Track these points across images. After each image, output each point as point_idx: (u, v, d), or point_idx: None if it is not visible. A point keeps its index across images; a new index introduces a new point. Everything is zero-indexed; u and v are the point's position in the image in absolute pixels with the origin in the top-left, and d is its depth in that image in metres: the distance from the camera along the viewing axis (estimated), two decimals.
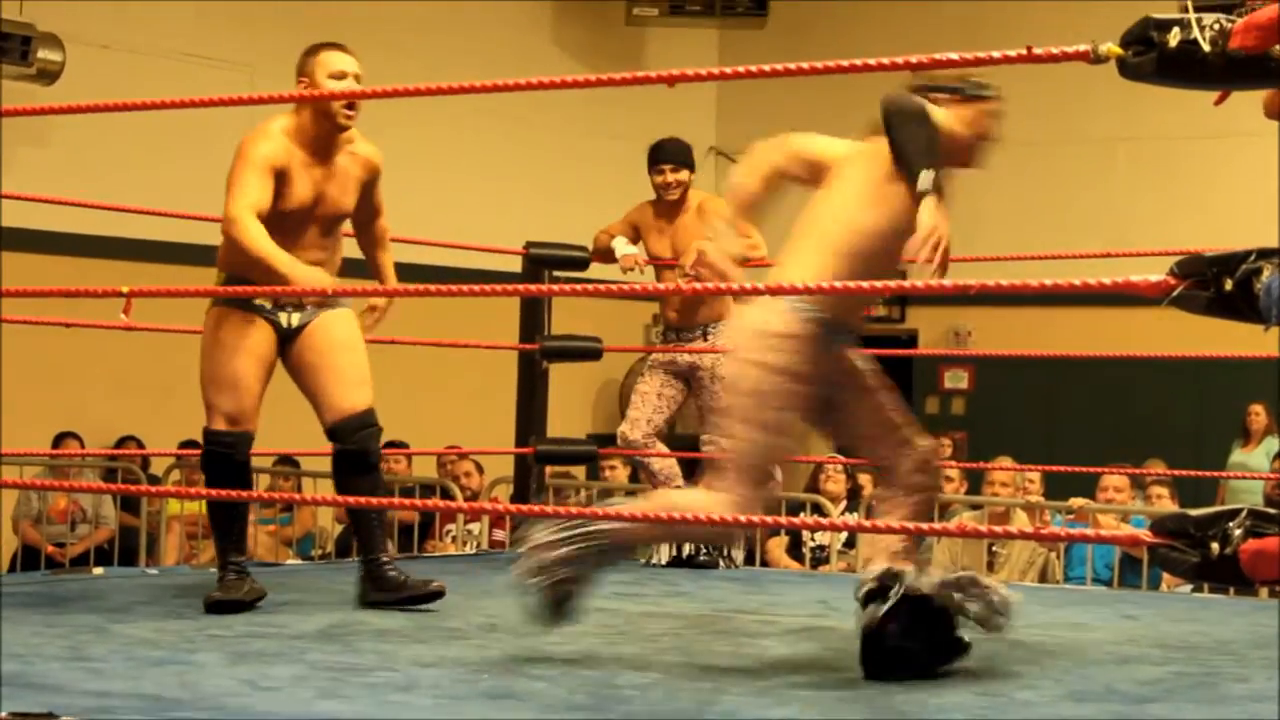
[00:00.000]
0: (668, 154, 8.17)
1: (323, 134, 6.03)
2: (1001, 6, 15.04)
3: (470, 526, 10.28)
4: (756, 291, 4.56)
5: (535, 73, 13.53)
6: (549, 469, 9.02)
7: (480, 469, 11.04)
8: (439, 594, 6.12)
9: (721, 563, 8.01)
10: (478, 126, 14.32)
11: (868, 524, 8.64)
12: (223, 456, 6.07)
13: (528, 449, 8.52)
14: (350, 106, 6.00)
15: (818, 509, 9.62)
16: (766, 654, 5.28)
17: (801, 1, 15.85)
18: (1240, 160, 13.58)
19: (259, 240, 5.77)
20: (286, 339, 6.10)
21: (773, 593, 7.10)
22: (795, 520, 9.41)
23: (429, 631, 5.52)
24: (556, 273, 8.77)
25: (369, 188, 6.22)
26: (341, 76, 6.03)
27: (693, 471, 8.29)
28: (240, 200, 5.83)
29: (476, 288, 4.62)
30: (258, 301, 6.03)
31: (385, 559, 6.21)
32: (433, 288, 4.81)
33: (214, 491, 6.05)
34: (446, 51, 14.16)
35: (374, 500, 5.90)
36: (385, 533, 6.26)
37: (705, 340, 8.05)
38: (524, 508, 8.46)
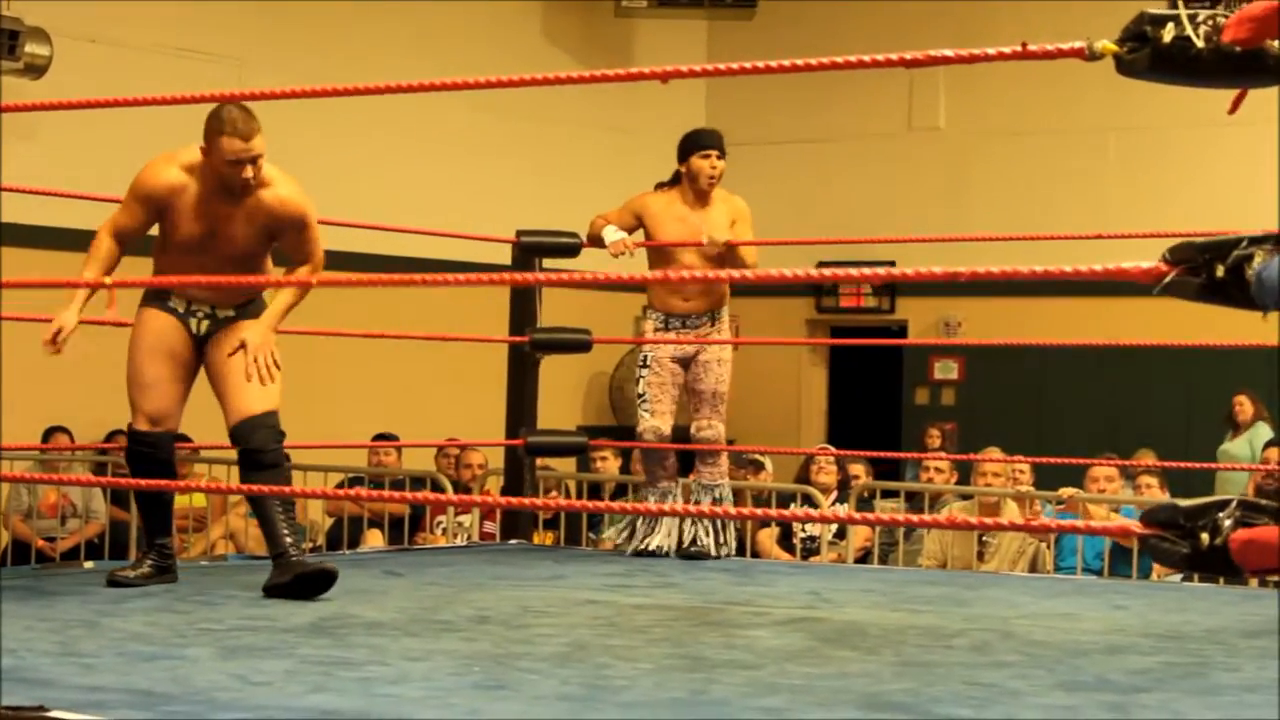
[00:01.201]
0: (715, 140, 8.16)
1: (223, 180, 6.15)
2: None
3: (461, 519, 10.28)
4: (766, 277, 4.54)
5: (525, 64, 13.62)
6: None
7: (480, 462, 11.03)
8: (329, 574, 6.17)
9: (715, 551, 8.01)
10: (468, 119, 14.31)
11: (858, 516, 8.66)
12: (144, 455, 6.35)
13: (518, 441, 8.51)
14: (244, 184, 6.12)
15: (809, 500, 9.62)
16: (757, 644, 5.28)
17: None
18: (1230, 147, 13.59)
19: (89, 260, 6.17)
20: (200, 343, 6.32)
21: (763, 584, 7.10)
22: (786, 512, 9.42)
23: (419, 624, 5.51)
24: (549, 262, 8.77)
25: (279, 233, 6.28)
26: (237, 164, 6.09)
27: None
28: (110, 220, 6.25)
29: (460, 277, 4.60)
30: (171, 303, 6.31)
31: (291, 553, 6.26)
32: (418, 277, 4.82)
33: (206, 486, 6.13)
34: (436, 44, 14.16)
35: (363, 493, 5.97)
36: (287, 527, 6.29)
37: (713, 325, 8.06)
38: (514, 500, 8.48)
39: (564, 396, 13.92)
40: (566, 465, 11.31)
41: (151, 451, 6.34)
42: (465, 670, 4.62)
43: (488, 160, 14.56)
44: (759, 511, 5.64)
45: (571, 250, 8.55)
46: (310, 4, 13.39)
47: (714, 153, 8.10)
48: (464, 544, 9.51)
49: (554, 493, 10.50)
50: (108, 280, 5.82)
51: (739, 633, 5.54)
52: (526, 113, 14.74)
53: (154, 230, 6.31)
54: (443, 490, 10.08)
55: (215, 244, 6.20)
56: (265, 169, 6.19)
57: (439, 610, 5.88)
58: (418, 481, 10.52)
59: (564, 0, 15.60)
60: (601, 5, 15.52)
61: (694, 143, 8.16)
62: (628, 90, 13.94)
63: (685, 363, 8.13)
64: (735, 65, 4.08)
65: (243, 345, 6.20)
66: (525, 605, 6.07)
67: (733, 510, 7.42)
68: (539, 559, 7.90)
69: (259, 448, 6.22)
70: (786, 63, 3.94)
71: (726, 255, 7.98)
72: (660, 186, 8.26)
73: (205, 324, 6.31)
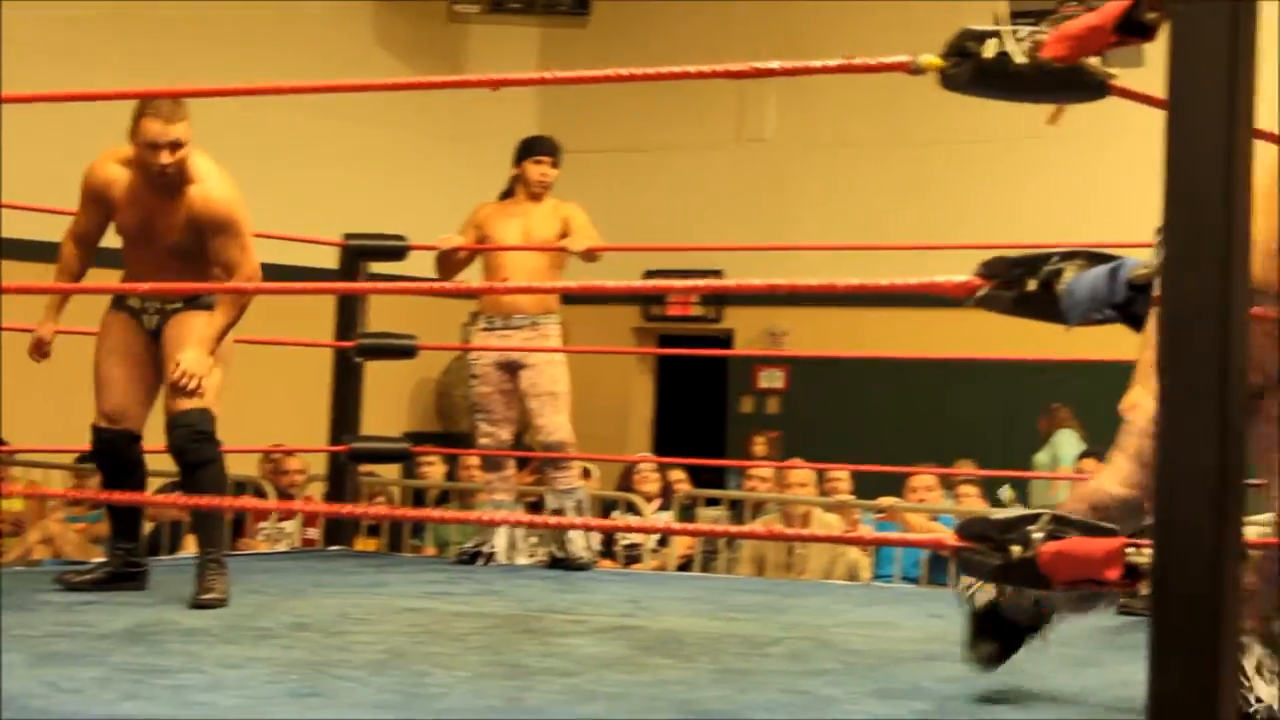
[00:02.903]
0: (549, 148, 8.24)
1: (144, 166, 6.13)
2: (821, 9, 15.15)
3: (283, 524, 10.20)
4: (585, 289, 4.56)
5: (356, 68, 13.55)
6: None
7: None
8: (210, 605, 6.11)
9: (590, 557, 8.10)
10: (296, 121, 14.19)
11: (677, 526, 8.69)
12: (101, 451, 6.36)
13: (341, 447, 8.47)
14: (164, 170, 6.08)
15: (632, 507, 9.64)
16: (575, 652, 5.28)
17: (623, 1, 15.88)
18: (1054, 161, 13.75)
19: (58, 271, 6.35)
20: (155, 338, 6.30)
21: (584, 591, 7.10)
22: (608, 522, 9.46)
23: (237, 631, 5.46)
24: (375, 266, 8.75)
25: (206, 233, 6.18)
26: (154, 148, 6.06)
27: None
28: (69, 226, 6.37)
29: (282, 285, 4.58)
30: (128, 302, 6.32)
31: (209, 558, 6.21)
32: (247, 286, 4.80)
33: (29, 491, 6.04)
34: (267, 47, 14.04)
35: (182, 498, 5.90)
36: (214, 530, 6.31)
37: (535, 330, 8.09)
38: (337, 507, 8.44)
39: (389, 402, 13.84)
40: (392, 471, 11.26)
41: (106, 448, 6.33)
42: (281, 678, 4.59)
43: (316, 163, 14.46)
44: (591, 521, 5.65)
45: (398, 254, 8.55)
46: (149, 10, 13.25)
47: (546, 159, 8.18)
48: (286, 550, 9.43)
49: (379, 499, 10.45)
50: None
51: (557, 640, 5.55)
52: (357, 116, 14.63)
53: None
54: (264, 496, 10.00)
55: (153, 235, 6.19)
56: (199, 164, 6.16)
57: (257, 617, 5.83)
58: (239, 486, 10.42)
59: (396, 4, 15.53)
60: (434, 10, 15.48)
61: (528, 148, 8.24)
62: (459, 95, 13.94)
63: (512, 368, 8.14)
64: (546, 74, 4.09)
65: (178, 364, 6.13)
66: (344, 612, 6.04)
67: (578, 520, 7.48)
68: (361, 566, 7.87)
69: (175, 447, 6.18)
70: (610, 72, 3.95)
71: (587, 257, 8.06)
72: (503, 196, 8.34)
73: (155, 319, 6.29)
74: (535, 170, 8.17)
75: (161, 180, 6.13)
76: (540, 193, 8.18)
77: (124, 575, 6.40)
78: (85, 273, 6.47)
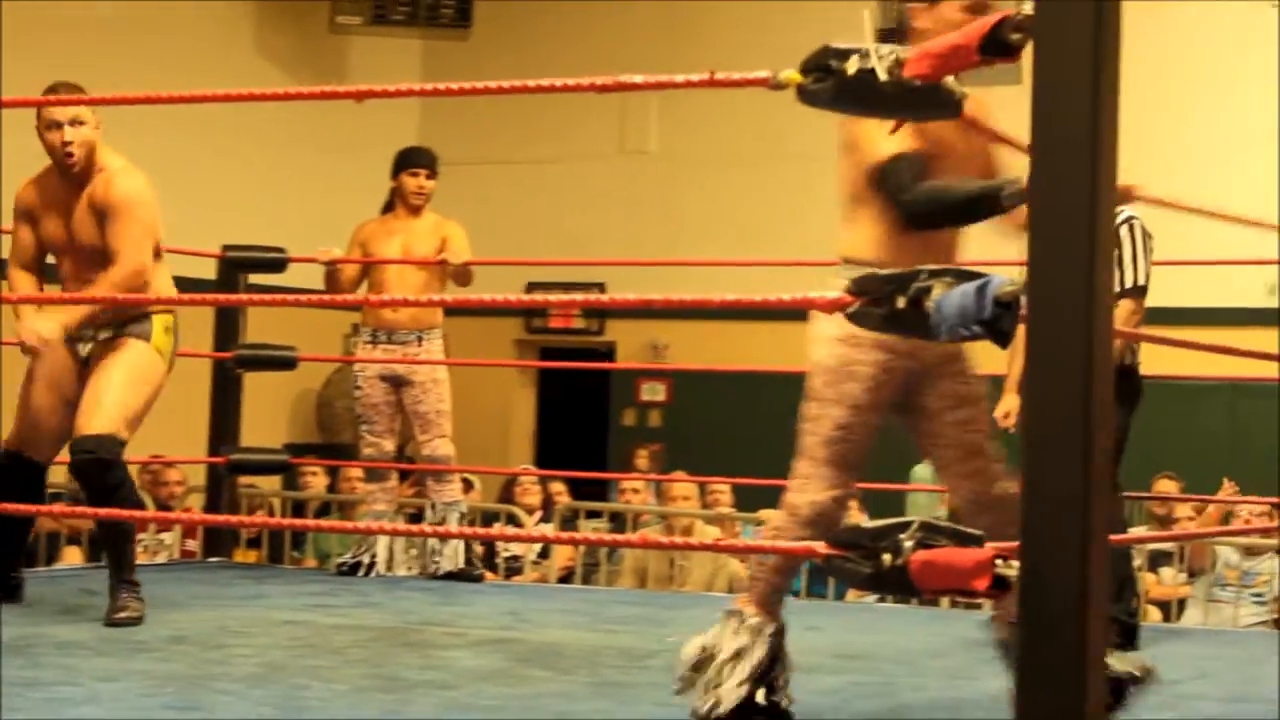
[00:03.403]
0: (425, 160, 8.27)
1: (61, 171, 6.14)
2: (701, 21, 15.21)
3: (162, 536, 10.14)
4: (465, 302, 4.57)
5: (236, 78, 13.46)
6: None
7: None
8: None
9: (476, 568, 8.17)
10: (176, 132, 14.10)
11: (555, 535, 8.70)
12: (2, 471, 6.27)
13: (220, 459, 8.43)
14: (68, 150, 6.05)
15: (513, 519, 9.65)
16: (454, 665, 5.30)
17: (505, 12, 15.88)
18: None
19: (12, 294, 6.15)
20: (85, 367, 6.19)
21: (464, 603, 7.11)
22: (490, 531, 9.45)
23: (114, 644, 5.44)
24: (254, 277, 8.72)
25: (103, 219, 6.11)
26: (55, 126, 6.05)
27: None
28: (9, 255, 6.31)
29: (160, 297, 4.57)
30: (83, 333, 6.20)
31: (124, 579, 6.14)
32: (123, 297, 4.79)
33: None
34: (145, 54, 13.92)
35: (61, 509, 5.85)
36: (124, 552, 6.21)
37: (420, 345, 8.11)
38: (216, 518, 8.40)
39: (270, 414, 13.79)
40: (272, 483, 11.21)
41: (5, 472, 6.25)
42: (158, 691, 4.58)
43: (194, 174, 14.35)
44: (469, 530, 5.66)
45: (277, 265, 8.54)
46: (15, 11, 13.10)
47: (423, 171, 8.21)
48: (164, 562, 9.38)
49: (259, 510, 10.41)
50: None
51: (436, 653, 5.56)
52: (237, 126, 14.54)
53: None
54: (143, 507, 9.92)
55: (72, 239, 6.15)
56: (108, 158, 6.14)
57: (135, 630, 5.81)
58: None
59: (277, 15, 15.46)
60: (315, 21, 15.42)
61: (404, 161, 8.28)
62: (341, 106, 13.86)
63: (396, 382, 8.15)
64: (418, 86, 4.10)
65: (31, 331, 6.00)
66: (223, 625, 6.02)
67: (464, 530, 7.50)
68: (240, 578, 7.83)
69: (77, 472, 6.09)
70: (482, 84, 3.97)
71: (461, 273, 8.08)
72: (384, 212, 8.36)
73: (89, 346, 6.21)
74: (412, 182, 8.20)
75: (70, 171, 6.08)
76: (419, 204, 8.21)
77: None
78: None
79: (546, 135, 15.87)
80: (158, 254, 6.26)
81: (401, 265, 8.18)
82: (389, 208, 8.34)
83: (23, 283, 6.27)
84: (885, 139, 4.09)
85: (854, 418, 4.32)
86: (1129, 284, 6.41)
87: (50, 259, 6.34)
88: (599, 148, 15.82)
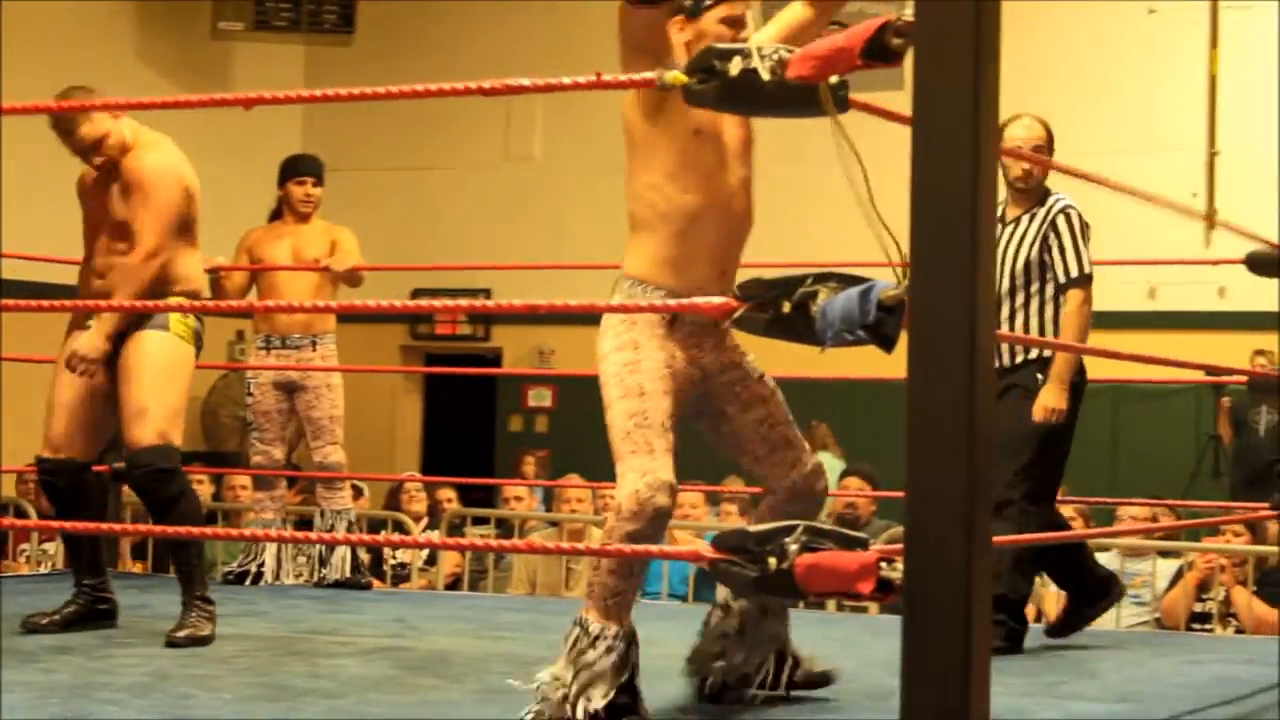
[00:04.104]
0: (312, 167, 8.27)
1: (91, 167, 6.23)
2: (583, 30, 15.22)
3: (45, 546, 10.05)
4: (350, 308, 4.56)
5: (116, 84, 13.28)
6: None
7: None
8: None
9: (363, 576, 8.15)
10: (52, 137, 13.96)
11: (451, 542, 8.69)
12: (46, 483, 6.25)
13: (103, 467, 8.34)
14: (96, 151, 6.12)
15: (399, 526, 9.62)
16: (341, 673, 5.28)
17: (388, 19, 15.85)
18: (808, 182, 13.89)
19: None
20: (111, 362, 6.07)
21: (351, 611, 7.09)
22: (379, 538, 9.42)
23: None
24: None
25: (127, 194, 6.10)
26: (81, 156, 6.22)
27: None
28: None
29: (43, 303, 4.53)
30: (88, 323, 6.10)
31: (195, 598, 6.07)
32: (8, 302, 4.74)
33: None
34: (23, 59, 13.79)
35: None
36: (193, 566, 6.15)
37: (315, 350, 8.11)
38: (100, 526, 8.31)
39: None
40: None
41: (50, 479, 6.19)
42: (43, 702, 4.54)
43: (73, 180, 14.22)
44: (355, 538, 5.64)
45: None
46: None
47: (309, 180, 8.21)
48: (48, 572, 9.28)
49: (143, 519, 10.32)
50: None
51: (324, 662, 5.54)
52: None
53: None
54: (26, 517, 9.84)
55: (101, 215, 6.15)
56: (141, 135, 6.16)
57: (19, 641, 5.76)
58: (1, 508, 10.26)
59: (159, 20, 15.35)
60: (197, 27, 15.34)
61: (291, 169, 8.27)
62: (224, 113, 13.80)
63: (289, 389, 8.13)
64: (304, 93, 4.08)
65: (73, 355, 5.98)
66: (108, 635, 5.99)
67: (354, 536, 7.46)
68: (125, 587, 7.75)
69: (136, 488, 6.10)
70: (370, 90, 3.96)
71: (350, 277, 8.09)
72: (272, 218, 8.35)
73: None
74: (299, 190, 8.20)
75: (90, 155, 6.16)
76: (307, 212, 8.21)
77: (94, 613, 6.23)
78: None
79: (431, 142, 15.85)
80: (187, 234, 6.20)
81: (292, 271, 8.16)
82: (276, 215, 8.32)
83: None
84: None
85: (644, 403, 4.39)
86: (1074, 273, 6.34)
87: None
88: (484, 155, 15.82)
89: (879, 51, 3.26)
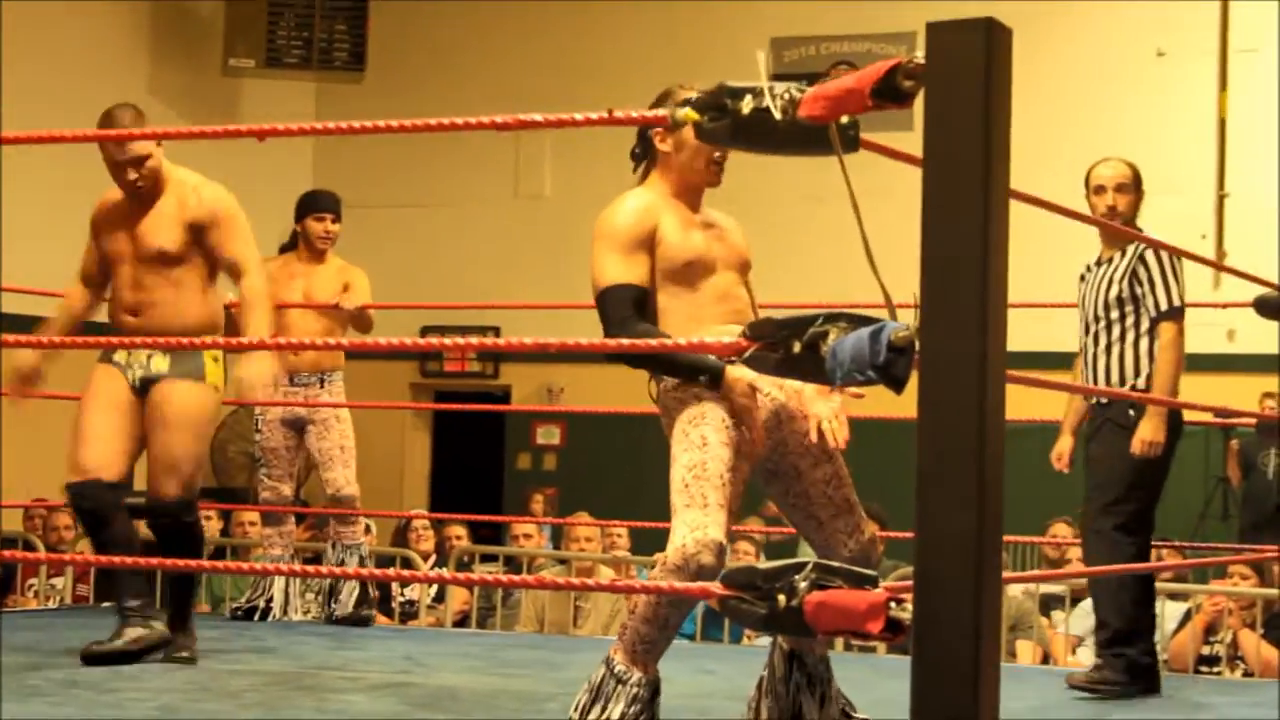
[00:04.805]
0: (330, 204, 8.29)
1: (124, 187, 6.22)
2: (594, 68, 15.26)
3: (53, 581, 10.05)
4: (360, 346, 4.57)
5: None
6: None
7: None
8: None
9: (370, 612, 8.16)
10: (65, 171, 13.99)
11: (461, 577, 8.69)
12: (79, 508, 6.27)
13: None
14: (129, 176, 6.14)
15: (407, 563, 9.63)
16: (349, 710, 5.28)
17: (399, 56, 15.89)
18: (817, 221, 13.91)
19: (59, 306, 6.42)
20: (140, 391, 6.20)
21: (359, 648, 7.09)
22: (389, 572, 9.41)
23: (6, 689, 5.39)
24: None
25: (200, 231, 6.16)
26: (117, 165, 6.15)
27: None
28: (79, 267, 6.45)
29: (55, 340, 4.55)
30: (115, 357, 6.25)
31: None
32: (13, 339, 4.77)
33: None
34: (38, 93, 13.84)
35: None
36: (187, 592, 6.44)
37: (323, 387, 8.12)
38: (105, 559, 8.32)
39: None
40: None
41: (79, 501, 6.22)
42: None
43: (85, 212, 14.26)
44: (365, 572, 5.65)
45: None
46: None
47: (328, 216, 8.23)
48: (56, 607, 9.30)
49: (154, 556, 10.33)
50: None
51: (332, 697, 5.54)
52: None
53: None
54: (34, 551, 9.85)
55: (137, 244, 6.18)
56: (178, 171, 6.22)
57: (27, 675, 5.76)
58: (8, 542, 10.26)
59: (171, 57, 15.40)
60: (209, 64, 15.38)
61: (309, 205, 8.29)
62: (235, 149, 13.83)
63: (298, 426, 8.15)
64: (317, 125, 4.10)
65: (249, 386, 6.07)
66: (116, 670, 5.98)
67: (364, 571, 7.48)
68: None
69: (154, 530, 6.21)
70: (384, 124, 3.98)
71: (360, 318, 8.11)
72: (283, 250, 8.36)
73: (139, 374, 6.21)
74: (318, 227, 8.22)
75: (137, 193, 6.16)
76: (324, 249, 8.24)
77: (160, 640, 6.30)
78: (85, 313, 6.45)
79: (441, 179, 15.88)
80: (214, 275, 6.29)
81: (303, 309, 8.18)
82: (289, 247, 8.34)
83: (73, 294, 6.43)
84: (612, 264, 4.30)
85: (705, 454, 4.40)
86: (1165, 306, 6.38)
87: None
88: (494, 192, 15.84)
89: (890, 93, 3.28)
